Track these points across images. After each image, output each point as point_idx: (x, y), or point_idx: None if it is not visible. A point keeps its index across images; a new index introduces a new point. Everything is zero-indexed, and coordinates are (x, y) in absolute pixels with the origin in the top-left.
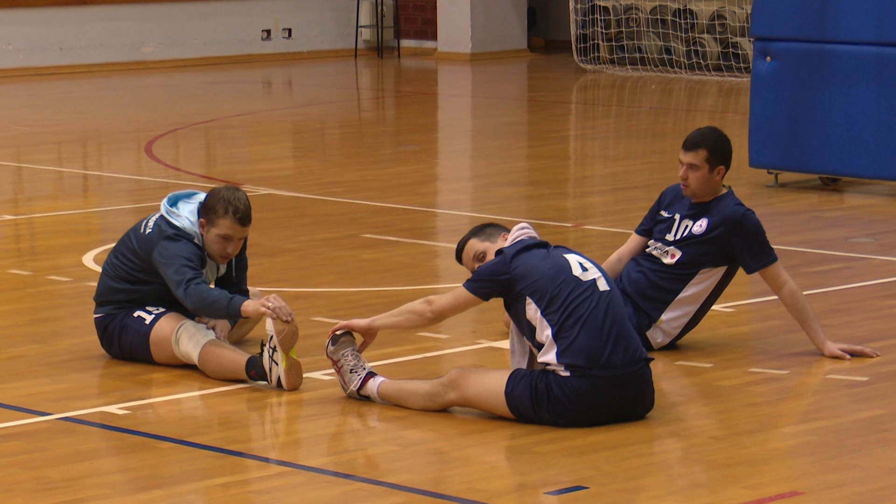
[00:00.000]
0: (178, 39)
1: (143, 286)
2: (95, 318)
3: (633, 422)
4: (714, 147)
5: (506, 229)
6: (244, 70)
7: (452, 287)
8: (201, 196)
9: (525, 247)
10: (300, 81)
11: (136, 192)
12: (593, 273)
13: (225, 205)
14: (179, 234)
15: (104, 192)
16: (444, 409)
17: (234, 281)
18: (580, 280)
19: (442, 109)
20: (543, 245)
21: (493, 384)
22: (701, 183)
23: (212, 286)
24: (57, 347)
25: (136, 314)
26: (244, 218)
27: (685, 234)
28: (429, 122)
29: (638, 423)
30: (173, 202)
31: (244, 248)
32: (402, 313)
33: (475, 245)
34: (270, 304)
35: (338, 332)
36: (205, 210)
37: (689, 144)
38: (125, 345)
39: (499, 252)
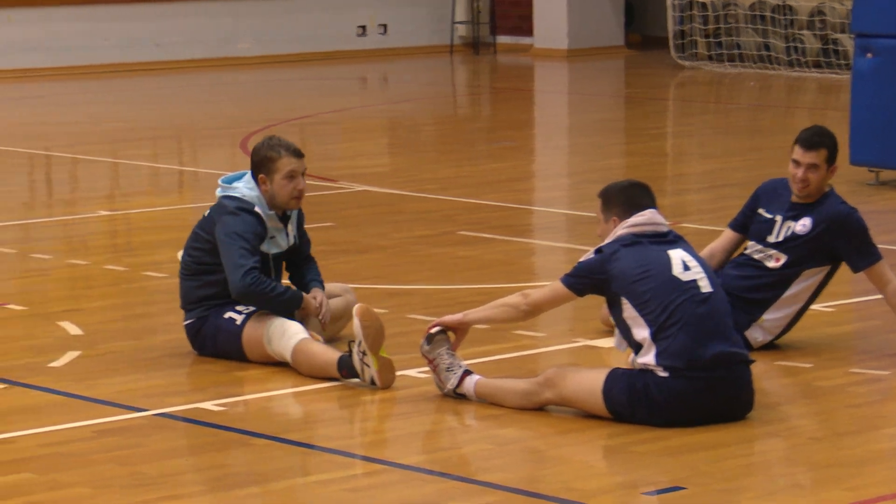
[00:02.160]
0: (273, 35)
1: (216, 273)
2: (186, 326)
3: (731, 422)
4: (833, 146)
5: (644, 204)
6: (339, 66)
7: (547, 284)
8: (248, 173)
9: (625, 244)
10: (395, 78)
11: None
12: (696, 273)
13: (275, 148)
14: (241, 208)
15: (199, 188)
16: (540, 408)
17: (304, 255)
18: (679, 280)
19: (538, 106)
20: (655, 237)
21: (590, 383)
22: (819, 183)
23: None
24: (152, 343)
25: (226, 315)
26: (297, 150)
27: (788, 236)
28: (524, 119)
29: (737, 424)
30: (227, 181)
31: (303, 224)
32: (497, 307)
33: (599, 207)
34: (323, 305)
35: (433, 331)
36: (258, 165)
37: (810, 144)
38: (219, 347)
39: (598, 249)
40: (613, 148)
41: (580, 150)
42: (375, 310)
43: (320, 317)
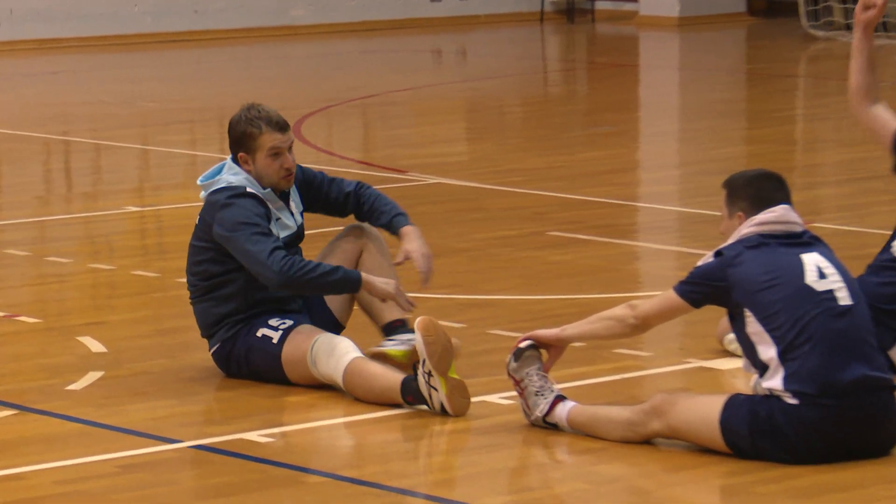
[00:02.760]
0: (332, 1)
1: (231, 283)
2: (213, 355)
3: (872, 458)
4: None
5: (776, 199)
6: (409, 37)
7: (657, 294)
8: (228, 159)
9: (750, 246)
10: (475, 50)
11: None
12: (833, 281)
13: (254, 122)
14: (232, 196)
15: None
16: (645, 441)
17: (346, 191)
18: (813, 290)
19: (644, 84)
20: (786, 238)
21: (705, 411)
22: None
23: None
24: (187, 363)
25: (259, 333)
26: (280, 122)
27: None
28: (628, 99)
29: (878, 461)
30: (206, 178)
31: (311, 175)
32: (599, 320)
33: (724, 199)
34: (391, 287)
35: (521, 346)
36: (236, 143)
37: None
38: (255, 369)
39: (718, 252)
40: (733, 134)
41: (693, 137)
42: (451, 324)
43: (400, 302)
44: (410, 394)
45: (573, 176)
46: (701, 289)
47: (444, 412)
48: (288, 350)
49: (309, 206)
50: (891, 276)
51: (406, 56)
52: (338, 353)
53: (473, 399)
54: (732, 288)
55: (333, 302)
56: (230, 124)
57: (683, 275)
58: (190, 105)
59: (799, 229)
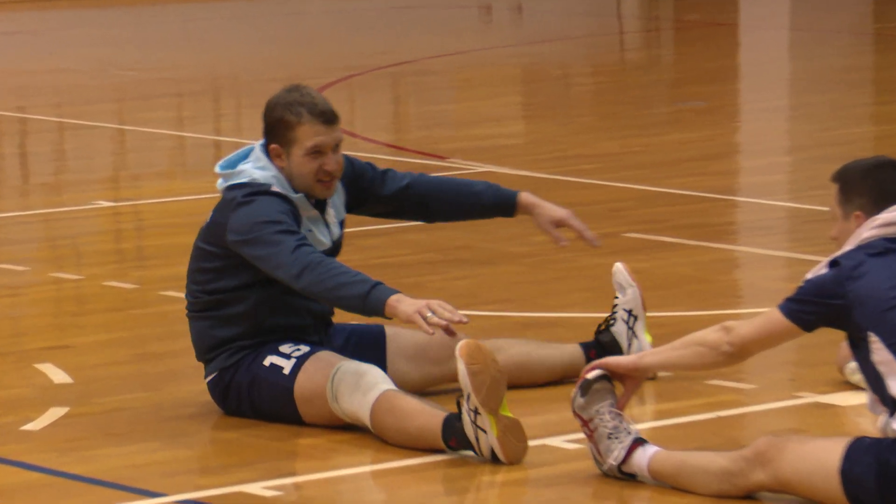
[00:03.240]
0: None
1: (240, 302)
2: (209, 384)
3: None
4: None
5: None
6: None
7: (760, 313)
8: (257, 146)
9: (874, 253)
10: (533, 6)
11: None
12: None
13: (293, 108)
14: (252, 193)
15: None
16: (747, 495)
17: (406, 181)
18: None
19: (745, 48)
20: None
21: (821, 459)
22: None
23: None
24: (174, 396)
25: (266, 362)
26: (325, 112)
27: None
28: (724, 67)
29: None
30: (227, 166)
31: (371, 167)
32: (686, 346)
33: (836, 197)
34: (430, 315)
35: (590, 378)
36: (270, 131)
37: None
38: (261, 405)
39: (834, 262)
40: (857, 110)
41: (807, 114)
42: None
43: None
44: (453, 436)
45: (656, 163)
46: (813, 308)
47: (494, 459)
48: (303, 382)
49: (356, 206)
50: None
51: (447, 13)
52: (365, 384)
53: (531, 442)
54: (853, 307)
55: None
56: (266, 106)
57: (792, 288)
58: (176, 74)
59: None
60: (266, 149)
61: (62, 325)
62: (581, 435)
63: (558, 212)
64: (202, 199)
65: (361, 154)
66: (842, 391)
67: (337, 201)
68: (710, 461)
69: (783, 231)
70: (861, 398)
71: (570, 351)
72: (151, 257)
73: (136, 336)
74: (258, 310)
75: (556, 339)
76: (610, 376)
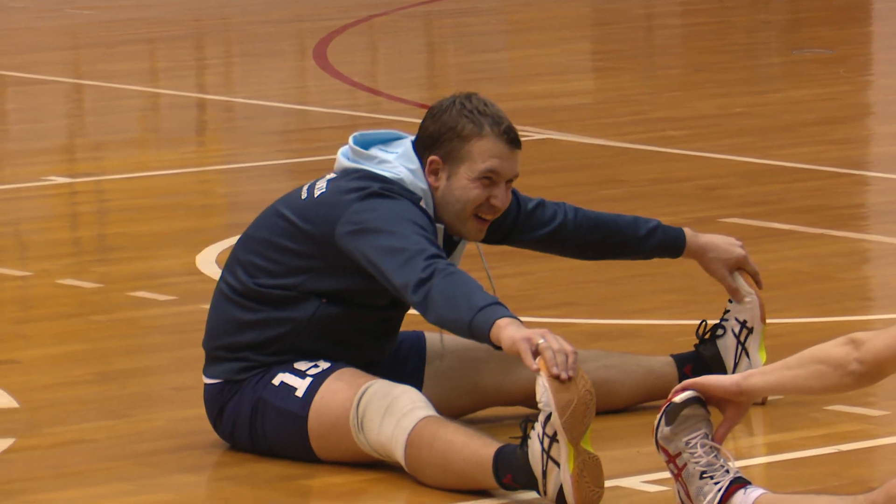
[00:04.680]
0: None
1: (298, 306)
2: (206, 388)
3: None
4: None
5: None
6: None
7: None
8: (407, 140)
9: None
10: None
11: (297, 135)
12: None
13: (474, 117)
14: (392, 190)
15: (237, 134)
16: None
17: (553, 212)
18: None
19: None
20: None
21: None
22: None
23: None
24: (147, 426)
25: (276, 380)
26: (514, 133)
27: None
28: (855, 5)
29: None
30: (365, 145)
31: (518, 200)
32: (804, 364)
33: None
34: (542, 342)
35: (678, 402)
36: (433, 140)
37: None
38: (265, 436)
39: None
40: None
41: None
42: (572, 374)
43: (564, 371)
44: (510, 470)
45: (765, 129)
46: None
47: (559, 502)
48: (319, 408)
49: (490, 242)
50: None
51: None
52: (398, 409)
53: (604, 484)
54: None
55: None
56: (433, 109)
57: None
58: (148, 15)
59: None
60: (420, 156)
61: (4, 336)
62: (665, 474)
63: (732, 254)
64: (182, 175)
65: (386, 118)
66: None
67: (461, 248)
68: None
69: None
70: None
71: (659, 365)
72: (117, 249)
73: (97, 350)
74: (311, 327)
75: (635, 350)
76: (705, 400)
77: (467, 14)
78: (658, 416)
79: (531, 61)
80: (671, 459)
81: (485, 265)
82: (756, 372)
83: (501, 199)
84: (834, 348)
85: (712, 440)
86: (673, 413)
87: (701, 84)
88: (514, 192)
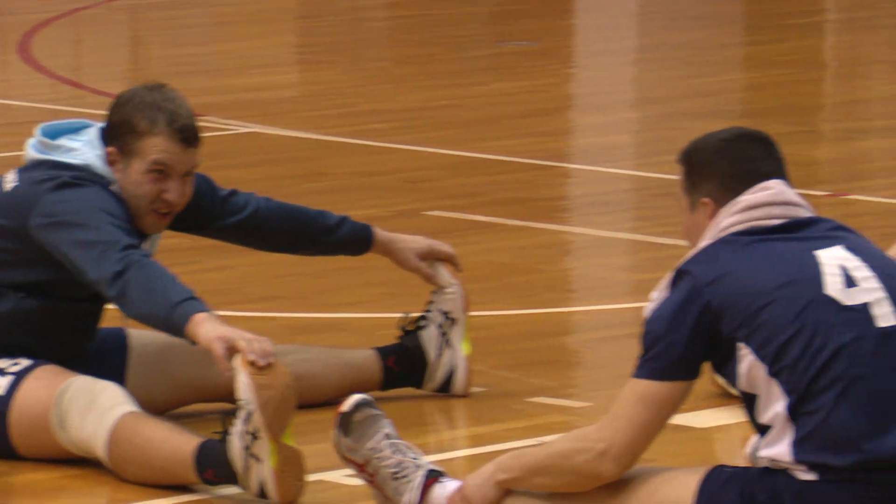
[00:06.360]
0: None
1: (2, 300)
2: None
3: None
4: None
5: (763, 171)
6: None
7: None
8: (94, 128)
9: (734, 244)
10: None
11: None
12: (869, 291)
13: (145, 113)
14: (82, 177)
15: None
16: None
17: (245, 202)
18: (838, 304)
19: None
20: (787, 230)
21: (676, 490)
22: None
23: None
24: None
25: None
26: (186, 128)
27: None
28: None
29: None
30: (52, 135)
31: (210, 189)
32: (556, 474)
33: (681, 183)
34: (236, 337)
35: (346, 409)
36: (115, 130)
37: None
38: None
39: (679, 274)
40: (726, 52)
41: (661, 57)
42: (270, 360)
43: (261, 360)
44: (213, 466)
45: (470, 121)
46: (681, 348)
47: (262, 496)
48: (20, 405)
49: (185, 230)
50: None
51: None
52: (101, 405)
53: (304, 479)
54: (721, 316)
55: None
56: (116, 100)
57: (644, 294)
58: None
59: (806, 214)
60: (104, 140)
61: None
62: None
63: (421, 242)
64: None
65: (89, 112)
66: (713, 406)
67: (156, 238)
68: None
69: (627, 207)
70: (728, 416)
71: (361, 358)
72: None
73: None
74: (10, 321)
75: (340, 344)
76: (372, 403)
77: (174, 7)
78: (333, 430)
79: (238, 54)
80: (361, 469)
81: None
82: (501, 472)
83: (176, 194)
84: (583, 464)
85: (397, 439)
86: (346, 423)
87: (407, 77)
88: (208, 180)
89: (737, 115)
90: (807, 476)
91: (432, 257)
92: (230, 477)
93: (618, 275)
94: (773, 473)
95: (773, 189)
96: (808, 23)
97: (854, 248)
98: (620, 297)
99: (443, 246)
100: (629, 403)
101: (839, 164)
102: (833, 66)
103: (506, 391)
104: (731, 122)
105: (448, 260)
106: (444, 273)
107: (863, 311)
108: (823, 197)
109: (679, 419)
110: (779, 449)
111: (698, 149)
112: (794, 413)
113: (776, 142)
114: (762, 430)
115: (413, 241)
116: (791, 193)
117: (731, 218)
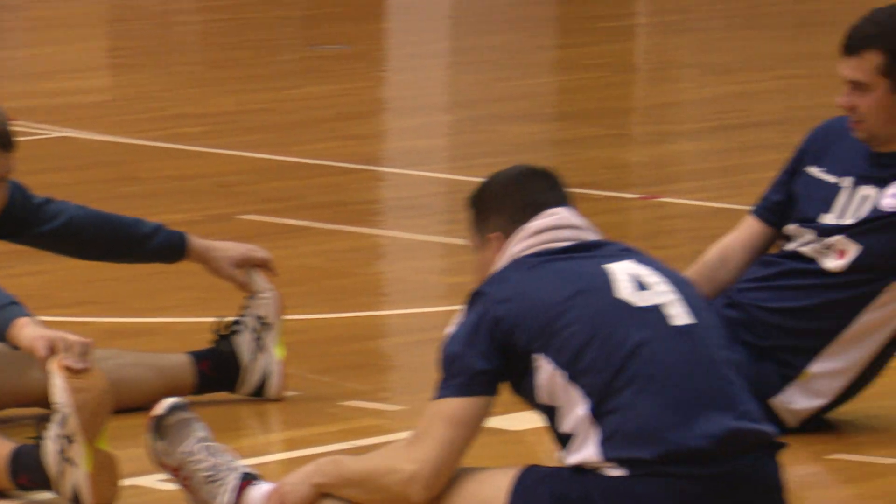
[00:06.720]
0: None
1: None
2: None
3: None
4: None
5: (546, 202)
6: None
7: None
8: None
9: (525, 265)
10: None
11: None
12: (658, 294)
13: None
14: None
15: None
16: None
17: (50, 214)
18: (630, 306)
19: None
20: (576, 250)
21: (487, 493)
22: (881, 113)
23: None
24: None
25: None
26: (3, 135)
27: (867, 214)
28: (369, 2)
29: None
30: None
31: (24, 197)
32: (367, 490)
33: (472, 224)
34: (57, 338)
35: (159, 413)
36: None
37: (852, 44)
38: None
39: (473, 296)
40: (537, 56)
41: (475, 62)
42: (87, 364)
43: (76, 364)
44: (27, 471)
45: (283, 125)
46: (479, 364)
47: (75, 502)
48: None
49: (7, 235)
50: (786, 278)
51: None
52: None
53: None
54: (513, 332)
55: None
56: None
57: (457, 297)
58: None
59: (592, 237)
60: None
61: None
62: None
63: (236, 249)
64: None
65: None
66: (522, 410)
67: None
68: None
69: (440, 210)
70: (541, 419)
71: (175, 363)
72: None
73: None
74: None
75: (152, 349)
76: (185, 406)
77: None
78: (147, 435)
79: (48, 59)
80: (175, 473)
81: None
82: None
83: None
84: (393, 485)
85: (212, 442)
86: (159, 427)
87: (219, 80)
88: (21, 188)
89: (549, 117)
90: (616, 472)
91: (248, 264)
92: (44, 482)
93: (430, 278)
94: (583, 473)
95: (559, 214)
96: (619, 26)
97: (644, 262)
98: (433, 300)
99: (258, 251)
100: (434, 424)
101: (650, 167)
102: (644, 70)
103: (320, 395)
104: (545, 124)
105: (263, 265)
106: (258, 279)
107: (655, 311)
108: (635, 200)
109: (493, 422)
110: (586, 452)
111: (485, 189)
112: (597, 414)
113: (559, 175)
114: (565, 440)
115: (228, 249)
116: (577, 219)
117: (522, 244)
